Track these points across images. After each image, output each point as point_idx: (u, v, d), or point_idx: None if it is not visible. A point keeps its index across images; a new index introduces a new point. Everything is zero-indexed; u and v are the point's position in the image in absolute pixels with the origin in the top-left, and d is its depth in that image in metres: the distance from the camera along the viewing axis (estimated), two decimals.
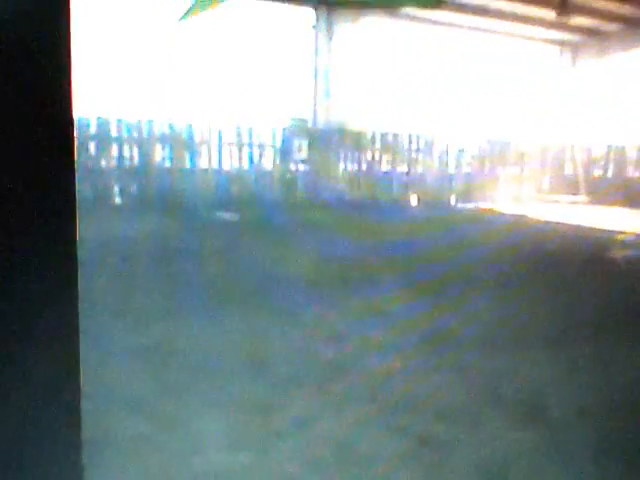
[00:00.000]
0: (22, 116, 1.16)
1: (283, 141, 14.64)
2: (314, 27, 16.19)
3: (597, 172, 18.88)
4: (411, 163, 16.17)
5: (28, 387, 1.21)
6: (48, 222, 1.20)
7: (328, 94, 16.01)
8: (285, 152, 14.69)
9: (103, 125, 12.80)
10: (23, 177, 1.17)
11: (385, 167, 15.92)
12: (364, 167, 15.59)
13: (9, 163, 1.16)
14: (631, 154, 18.80)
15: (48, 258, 1.20)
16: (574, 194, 18.24)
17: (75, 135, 1.20)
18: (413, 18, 17.49)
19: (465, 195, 16.73)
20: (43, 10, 1.15)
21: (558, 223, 13.74)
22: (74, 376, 1.26)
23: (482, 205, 16.49)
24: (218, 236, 10.14)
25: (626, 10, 18.28)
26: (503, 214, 15.53)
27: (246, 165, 14.29)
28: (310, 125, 16.09)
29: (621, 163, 18.80)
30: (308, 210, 13.71)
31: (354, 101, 16.28)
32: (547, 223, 13.86)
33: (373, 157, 15.70)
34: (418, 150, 16.15)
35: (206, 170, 13.83)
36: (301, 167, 14.98)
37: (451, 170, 16.68)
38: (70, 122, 1.20)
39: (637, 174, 18.84)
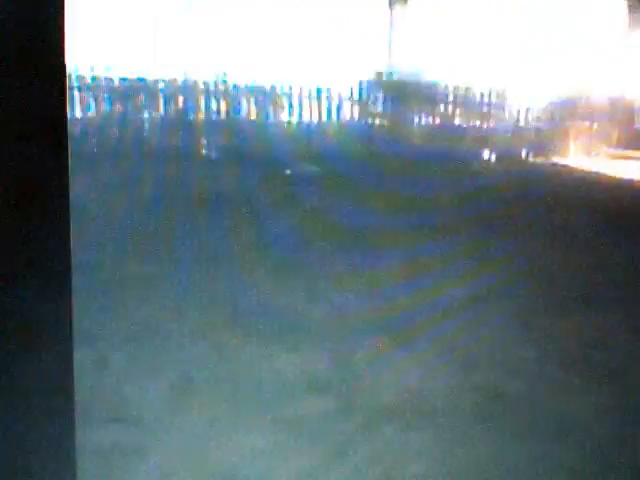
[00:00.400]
0: (13, 114, 1.11)
1: (360, 94, 14.70)
2: None
3: None
4: (484, 117, 16.15)
5: (21, 389, 1.17)
6: (41, 222, 1.15)
7: (401, 43, 15.94)
8: (362, 105, 14.76)
9: (185, 80, 12.97)
10: (15, 175, 1.13)
11: (459, 120, 15.93)
12: (438, 120, 15.61)
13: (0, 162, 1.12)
14: None
15: (41, 259, 1.16)
16: None
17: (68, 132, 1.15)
18: None
19: (540, 150, 16.66)
20: (37, 11, 1.10)
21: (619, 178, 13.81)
22: (67, 380, 1.22)
23: (556, 160, 16.43)
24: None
25: None
26: (578, 169, 15.48)
27: (325, 118, 14.42)
28: (386, 77, 16.05)
29: None
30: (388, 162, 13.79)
31: (428, 51, 16.20)
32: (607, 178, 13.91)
33: (447, 110, 15.70)
34: (491, 103, 16.10)
35: (287, 123, 13.97)
36: (379, 120, 15.05)
37: (523, 124, 16.62)
38: (63, 119, 1.16)
39: None
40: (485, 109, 16.14)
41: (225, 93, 13.28)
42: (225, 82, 13.14)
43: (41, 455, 1.20)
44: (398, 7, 16.21)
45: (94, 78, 12.50)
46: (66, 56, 1.13)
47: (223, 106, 13.33)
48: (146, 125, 12.80)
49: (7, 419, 1.16)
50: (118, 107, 12.60)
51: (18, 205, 1.13)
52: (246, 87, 13.62)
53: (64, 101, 1.16)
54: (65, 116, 1.17)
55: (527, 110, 16.71)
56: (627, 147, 17.99)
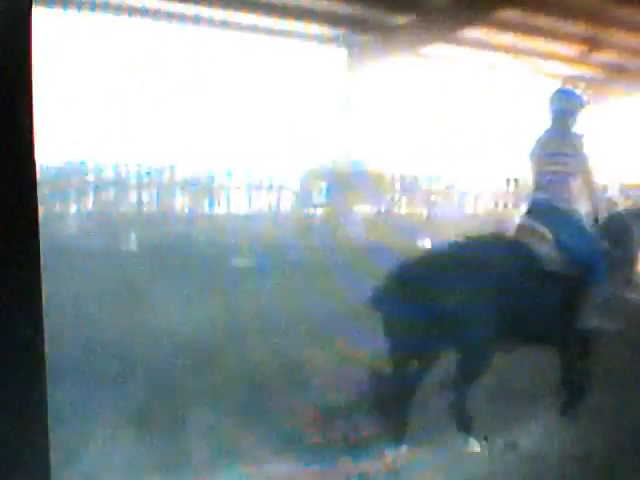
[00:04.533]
0: None
1: (302, 184, 14.35)
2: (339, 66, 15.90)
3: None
4: (431, 205, 15.83)
5: None
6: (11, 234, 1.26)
7: (349, 133, 15.70)
8: (305, 195, 14.40)
9: (120, 170, 12.59)
10: None
11: (405, 209, 15.59)
12: (384, 209, 15.25)
13: None
14: None
15: (12, 266, 1.26)
16: None
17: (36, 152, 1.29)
18: (434, 57, 17.20)
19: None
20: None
21: None
22: (39, 380, 1.29)
23: None
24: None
25: None
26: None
27: (266, 209, 14.01)
28: (331, 166, 15.76)
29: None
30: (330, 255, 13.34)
31: (375, 141, 15.97)
32: None
33: (394, 199, 15.38)
34: (439, 192, 15.81)
35: (223, 215, 13.54)
36: (321, 210, 14.67)
37: (471, 211, 16.31)
38: (29, 132, 1.28)
39: None
40: (431, 197, 15.82)
41: (155, 185, 12.88)
42: (150, 174, 12.76)
43: (13, 455, 1.28)
44: (342, 98, 16.00)
45: None
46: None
47: (154, 198, 12.92)
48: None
49: None
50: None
51: None
52: (183, 179, 13.24)
53: (31, 116, 1.31)
54: (32, 126, 1.33)
55: (477, 197, 16.43)
56: None
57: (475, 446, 4.50)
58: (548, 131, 5.24)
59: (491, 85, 18.22)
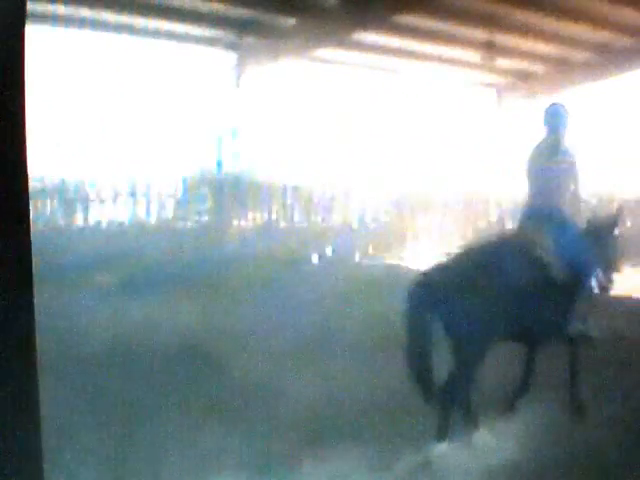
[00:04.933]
0: None
1: (184, 191, 13.66)
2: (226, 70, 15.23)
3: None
4: (319, 216, 15.27)
5: None
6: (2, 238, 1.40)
7: (236, 141, 15.05)
8: (186, 203, 13.71)
9: None
10: None
11: (294, 219, 15.01)
12: (272, 219, 14.66)
13: None
14: None
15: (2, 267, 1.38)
16: None
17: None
18: (331, 61, 16.66)
19: (379, 249, 15.79)
20: None
21: None
22: (32, 386, 1.42)
23: (396, 261, 15.56)
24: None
25: (553, 50, 17.69)
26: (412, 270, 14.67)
27: (144, 218, 13.26)
28: (216, 174, 15.03)
29: None
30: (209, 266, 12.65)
31: (264, 149, 15.35)
32: None
33: (281, 209, 14.79)
34: (328, 202, 15.27)
35: (94, 225, 12.76)
36: (204, 218, 14.00)
37: (363, 223, 15.81)
38: (21, 143, 1.45)
39: None
40: (322, 208, 15.28)
41: None
42: None
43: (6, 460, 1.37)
44: (232, 101, 15.34)
45: None
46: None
47: None
48: None
49: None
50: None
51: None
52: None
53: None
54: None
55: (366, 209, 15.93)
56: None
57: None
58: (543, 144, 5.54)
59: (393, 90, 17.78)
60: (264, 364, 6.56)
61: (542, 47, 17.55)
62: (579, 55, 18.07)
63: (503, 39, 16.48)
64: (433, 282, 4.84)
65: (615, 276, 5.73)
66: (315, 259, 14.69)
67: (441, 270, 4.96)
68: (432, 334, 4.72)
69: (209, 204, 14.06)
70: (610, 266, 5.70)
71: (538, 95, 18.64)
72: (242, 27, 14.71)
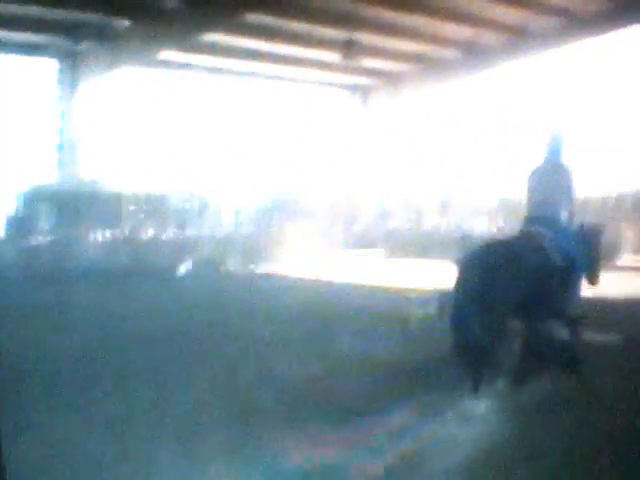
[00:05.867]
0: None
1: (18, 208, 12.64)
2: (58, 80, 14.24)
3: (394, 224, 17.79)
4: (183, 225, 14.46)
5: None
6: None
7: (75, 152, 14.07)
8: (22, 221, 12.68)
9: None
10: None
11: (152, 231, 14.14)
12: (126, 232, 13.75)
13: None
14: (429, 204, 17.85)
15: None
16: (370, 247, 16.97)
17: None
18: (179, 65, 15.92)
19: (247, 257, 15.07)
20: None
21: (350, 282, 12.79)
22: None
23: (266, 267, 14.92)
24: None
25: (419, 49, 17.42)
26: (286, 276, 14.13)
27: None
28: (56, 187, 13.96)
29: (419, 213, 17.81)
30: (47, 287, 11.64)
31: (108, 158, 14.40)
32: (336, 283, 12.86)
33: (136, 220, 13.90)
34: (190, 211, 14.47)
35: None
36: (45, 236, 12.97)
37: (229, 230, 15.08)
38: None
39: (434, 224, 17.86)
40: (184, 217, 14.48)
41: None
42: None
43: None
44: (68, 110, 14.38)
45: None
46: None
47: None
48: None
49: None
50: None
51: None
52: None
53: None
54: None
55: (235, 214, 15.20)
56: (349, 247, 16.89)
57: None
58: (544, 164, 6.72)
59: (251, 94, 17.19)
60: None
61: (407, 46, 17.28)
62: (446, 53, 17.85)
63: (364, 38, 16.05)
64: (482, 264, 5.96)
65: (600, 271, 6.85)
66: (182, 270, 13.95)
67: (485, 255, 6.12)
68: (481, 304, 5.73)
69: (52, 219, 13.03)
70: (596, 263, 6.86)
71: (404, 94, 18.43)
72: (72, 31, 13.77)
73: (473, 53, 17.70)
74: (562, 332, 6.45)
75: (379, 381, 6.12)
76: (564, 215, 6.63)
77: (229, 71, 16.97)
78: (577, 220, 6.95)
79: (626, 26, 15.71)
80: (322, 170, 17.51)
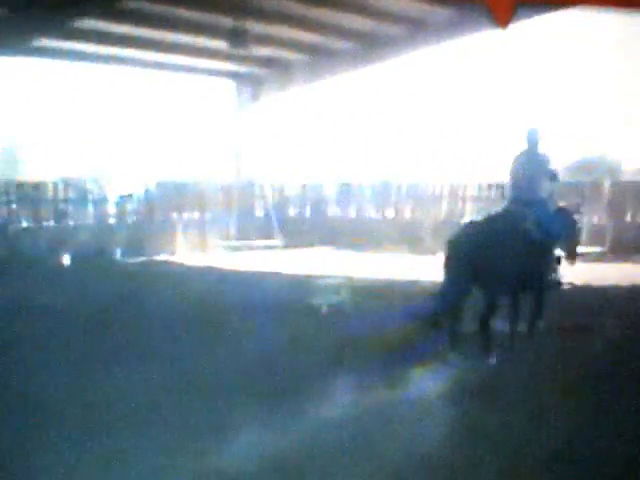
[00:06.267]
0: None
1: None
2: None
3: (293, 211, 17.56)
4: (61, 214, 13.96)
5: None
6: None
7: None
8: None
9: None
10: None
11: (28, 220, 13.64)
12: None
13: None
14: (329, 190, 17.66)
15: None
16: (268, 237, 16.67)
17: None
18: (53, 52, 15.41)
19: (134, 246, 14.59)
20: None
21: (245, 272, 12.75)
22: None
23: (156, 257, 14.48)
24: None
25: (311, 39, 17.25)
26: (181, 265, 13.75)
27: None
28: None
29: (320, 202, 17.59)
30: None
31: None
32: (232, 272, 12.76)
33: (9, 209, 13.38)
34: (68, 198, 13.98)
35: None
36: None
37: (113, 219, 14.60)
38: None
39: (337, 212, 17.67)
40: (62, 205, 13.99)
41: None
42: None
43: None
44: None
45: None
46: None
47: None
48: None
49: None
50: None
51: None
52: None
53: None
54: None
55: (119, 203, 14.74)
56: (247, 237, 16.56)
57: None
58: (525, 153, 7.65)
59: (130, 82, 16.79)
60: None
61: (298, 35, 17.05)
62: (338, 43, 17.69)
63: (253, 27, 15.78)
64: (470, 237, 6.93)
65: (577, 247, 7.87)
66: (66, 260, 13.48)
67: (473, 230, 7.23)
68: (468, 273, 6.70)
69: None
70: (573, 240, 7.83)
71: (295, 85, 18.24)
72: None
73: (369, 44, 17.61)
74: (540, 297, 7.53)
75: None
76: (542, 196, 7.57)
77: (113, 59, 16.52)
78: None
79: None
80: (215, 159, 17.20)
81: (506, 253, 6.84)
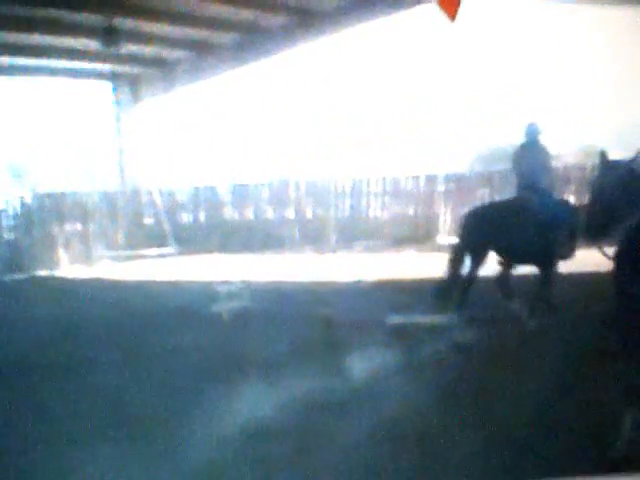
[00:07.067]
0: None
1: None
2: None
3: (186, 218, 16.60)
4: None
5: None
6: None
7: None
8: None
9: None
10: None
11: None
12: None
13: None
14: (223, 193, 16.78)
15: None
16: (160, 245, 15.65)
17: None
18: None
19: (12, 263, 13.48)
20: None
21: (138, 282, 12.27)
22: None
23: (38, 273, 13.42)
24: None
25: (192, 34, 16.29)
26: (64, 280, 12.82)
27: None
28: None
29: (215, 205, 16.67)
30: None
31: None
32: (121, 283, 12.37)
33: None
34: None
35: None
36: None
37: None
38: None
39: (234, 215, 16.80)
40: None
41: None
42: None
43: None
44: None
45: None
46: None
47: None
48: None
49: None
50: None
51: None
52: None
53: None
54: None
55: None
56: (138, 246, 15.52)
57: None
58: (525, 145, 8.65)
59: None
60: None
61: (178, 31, 16.08)
62: (222, 38, 16.78)
63: (127, 24, 14.74)
64: (485, 216, 8.30)
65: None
66: None
67: (487, 210, 8.68)
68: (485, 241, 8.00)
69: None
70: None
71: (178, 83, 17.29)
72: None
73: (253, 38, 16.77)
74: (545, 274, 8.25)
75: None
76: (545, 183, 8.41)
77: None
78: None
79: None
80: (96, 166, 16.12)
81: (519, 227, 7.94)
